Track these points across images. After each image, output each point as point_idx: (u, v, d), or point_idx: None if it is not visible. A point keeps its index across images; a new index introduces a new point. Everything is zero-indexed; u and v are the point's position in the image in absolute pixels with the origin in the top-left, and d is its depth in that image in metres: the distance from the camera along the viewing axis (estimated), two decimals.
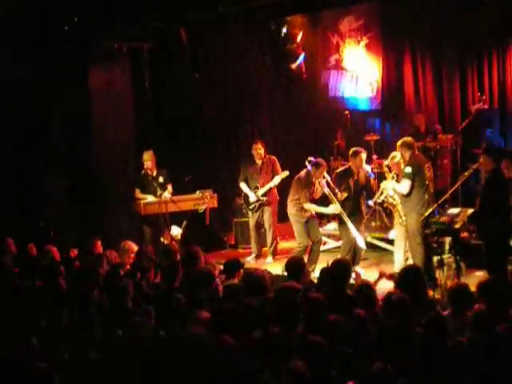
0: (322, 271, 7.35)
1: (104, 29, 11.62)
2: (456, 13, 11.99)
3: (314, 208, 10.40)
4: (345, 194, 10.11)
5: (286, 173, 11.32)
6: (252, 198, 11.50)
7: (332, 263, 7.20)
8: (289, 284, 6.47)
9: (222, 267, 8.02)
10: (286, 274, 7.50)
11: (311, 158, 10.38)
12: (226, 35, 13.36)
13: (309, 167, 10.32)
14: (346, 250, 10.14)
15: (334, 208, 10.13)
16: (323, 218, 12.47)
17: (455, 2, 11.82)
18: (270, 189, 11.42)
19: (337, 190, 10.13)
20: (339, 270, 6.99)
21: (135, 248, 9.04)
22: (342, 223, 10.20)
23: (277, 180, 11.34)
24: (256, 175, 11.49)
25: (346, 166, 10.40)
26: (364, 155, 10.20)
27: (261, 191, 11.42)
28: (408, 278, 6.52)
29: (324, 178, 10.34)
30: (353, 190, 10.18)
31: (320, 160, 10.37)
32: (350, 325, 5.51)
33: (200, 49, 13.51)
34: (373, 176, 10.28)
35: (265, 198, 11.44)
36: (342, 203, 10.10)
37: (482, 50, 12.39)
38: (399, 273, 6.73)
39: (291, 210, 10.52)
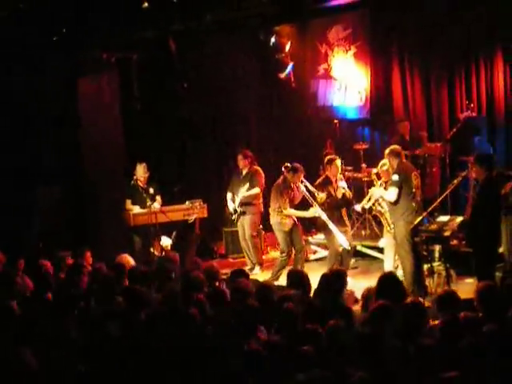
0: (322, 279, 7.24)
1: (93, 39, 11.62)
2: (444, 21, 12.03)
3: (293, 213, 10.41)
4: (324, 196, 10.14)
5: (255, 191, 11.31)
6: (230, 208, 11.46)
7: (330, 273, 7.18)
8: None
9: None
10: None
11: (288, 164, 10.43)
12: (215, 45, 13.37)
13: (285, 173, 10.36)
14: (333, 259, 10.17)
15: (314, 211, 10.19)
16: (313, 228, 12.49)
17: (443, 10, 11.84)
18: (253, 199, 11.34)
19: (316, 193, 10.17)
20: (335, 281, 6.99)
21: (132, 262, 9.01)
22: (328, 233, 10.23)
23: (252, 192, 11.24)
24: (237, 185, 11.44)
25: (324, 176, 10.44)
26: (339, 162, 10.33)
27: (236, 201, 11.36)
28: (386, 286, 6.55)
29: (302, 182, 10.38)
30: (335, 197, 10.25)
31: (296, 165, 10.40)
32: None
33: (189, 59, 13.52)
34: (346, 187, 10.40)
35: (240, 209, 11.36)
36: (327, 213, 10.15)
37: (469, 58, 12.40)
38: (378, 281, 6.74)
39: (273, 219, 10.54)
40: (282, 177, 10.51)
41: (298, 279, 7.32)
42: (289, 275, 7.66)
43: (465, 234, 9.14)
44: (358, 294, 7.34)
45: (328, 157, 10.50)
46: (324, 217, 10.07)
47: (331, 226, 10.04)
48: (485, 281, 7.00)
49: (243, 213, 11.34)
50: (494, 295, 6.13)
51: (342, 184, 10.38)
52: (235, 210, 11.40)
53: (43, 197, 12.06)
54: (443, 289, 8.61)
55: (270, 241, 12.22)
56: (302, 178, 10.40)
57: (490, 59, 12.12)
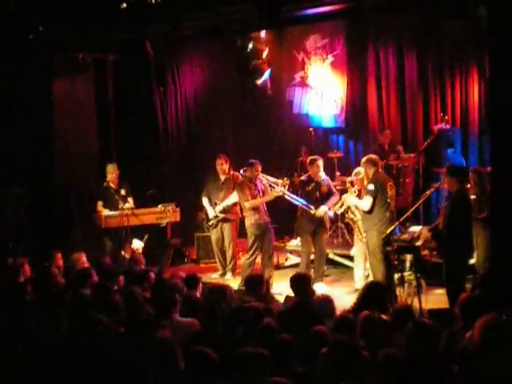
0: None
1: (69, 39, 11.54)
2: (420, 33, 12.11)
3: (255, 202, 10.40)
4: (287, 180, 10.47)
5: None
6: (210, 214, 11.42)
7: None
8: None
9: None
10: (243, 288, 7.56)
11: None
12: (192, 49, 13.35)
13: (242, 171, 10.70)
14: (304, 265, 10.27)
15: (277, 190, 10.37)
16: (286, 235, 12.49)
17: (419, 23, 11.91)
18: (232, 206, 11.32)
19: (275, 180, 10.63)
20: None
21: (84, 259, 8.98)
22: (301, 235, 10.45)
23: (234, 197, 11.20)
24: (217, 191, 11.38)
25: (307, 174, 10.53)
26: (320, 162, 10.37)
27: (218, 208, 11.32)
28: (372, 294, 6.57)
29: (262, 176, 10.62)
30: (317, 194, 10.32)
31: (253, 160, 10.53)
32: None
33: (165, 62, 13.49)
34: (326, 182, 10.48)
35: (222, 215, 11.33)
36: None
37: (445, 71, 12.49)
38: (363, 288, 6.75)
39: (248, 221, 10.53)
40: (240, 174, 10.84)
41: (254, 284, 7.31)
42: (246, 280, 7.68)
43: (436, 244, 9.16)
44: None
45: (311, 157, 10.57)
46: (286, 194, 10.34)
47: (294, 198, 10.32)
48: (456, 291, 7.04)
49: (225, 219, 11.32)
50: (475, 306, 6.13)
51: (323, 175, 10.46)
52: (215, 216, 11.34)
53: (15, 198, 11.96)
54: (412, 299, 8.66)
55: (242, 247, 12.17)
56: (260, 174, 10.55)
57: (465, 72, 12.21)
